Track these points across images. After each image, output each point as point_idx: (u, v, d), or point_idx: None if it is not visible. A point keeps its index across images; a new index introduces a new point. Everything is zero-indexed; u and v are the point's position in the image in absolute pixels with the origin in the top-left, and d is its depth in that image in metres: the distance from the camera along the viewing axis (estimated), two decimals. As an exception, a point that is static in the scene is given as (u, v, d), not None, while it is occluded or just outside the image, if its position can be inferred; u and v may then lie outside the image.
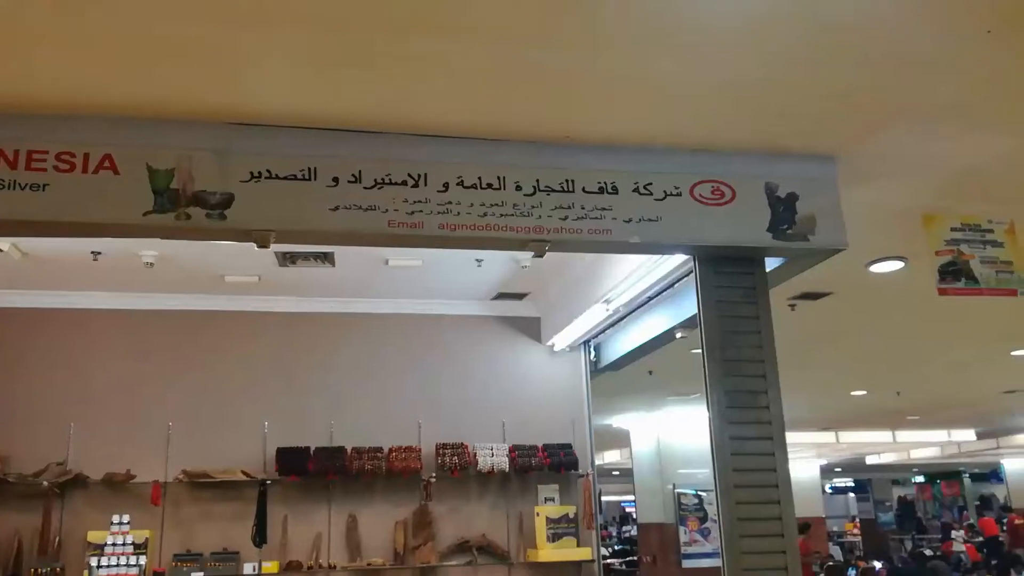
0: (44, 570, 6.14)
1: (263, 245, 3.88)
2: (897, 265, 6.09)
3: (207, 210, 3.71)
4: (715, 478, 4.16)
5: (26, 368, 6.65)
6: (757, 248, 4.24)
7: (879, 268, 6.14)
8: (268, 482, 6.55)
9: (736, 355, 4.26)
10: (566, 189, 4.03)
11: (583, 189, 4.05)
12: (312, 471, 6.62)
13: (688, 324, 5.46)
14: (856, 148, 4.20)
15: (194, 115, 3.72)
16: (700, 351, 4.33)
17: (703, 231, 4.12)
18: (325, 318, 7.21)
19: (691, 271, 4.50)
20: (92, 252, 5.58)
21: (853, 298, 7.12)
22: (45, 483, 6.26)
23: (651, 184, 4.10)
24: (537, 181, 4.01)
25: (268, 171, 3.80)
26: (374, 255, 5.98)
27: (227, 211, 3.73)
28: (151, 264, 5.79)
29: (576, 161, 4.07)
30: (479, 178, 3.97)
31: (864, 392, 12.70)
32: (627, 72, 3.45)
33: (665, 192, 4.11)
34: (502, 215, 3.96)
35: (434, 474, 6.84)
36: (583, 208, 4.02)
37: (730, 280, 4.31)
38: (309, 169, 3.84)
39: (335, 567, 6.60)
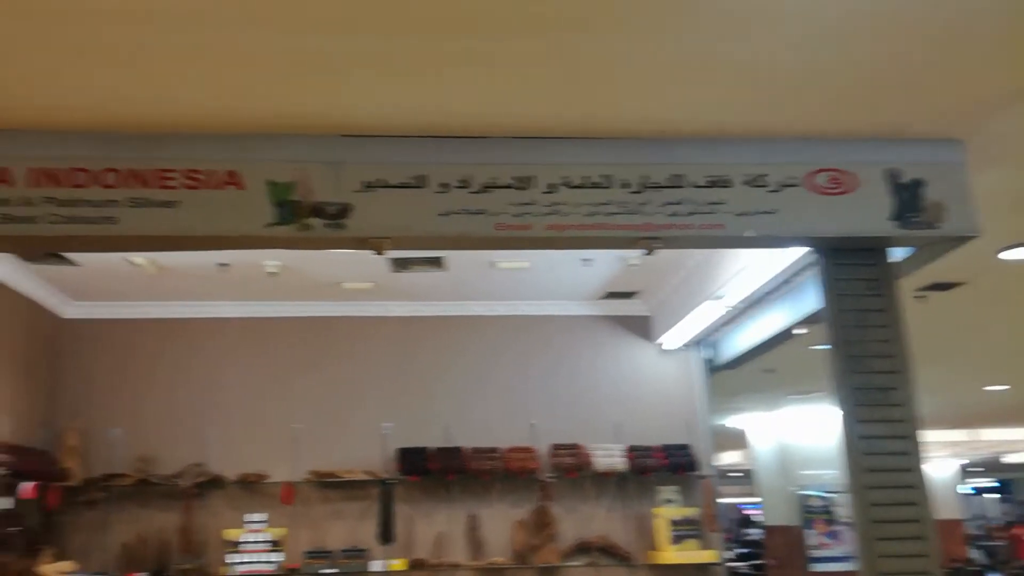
0: (188, 566, 6.51)
1: (379, 252, 3.98)
2: (1031, 251, 5.66)
3: (326, 220, 3.84)
4: (847, 479, 3.97)
5: (163, 375, 7.09)
6: (881, 238, 4.03)
7: (1011, 255, 5.72)
8: (391, 481, 6.73)
9: (864, 351, 4.05)
10: (675, 184, 3.95)
11: (693, 184, 3.96)
12: (432, 471, 6.76)
13: (809, 319, 5.25)
14: (984, 129, 3.92)
15: (310, 129, 3.86)
16: (822, 347, 4.15)
17: (823, 222, 3.94)
18: (438, 321, 7.35)
19: (810, 264, 4.32)
20: (219, 264, 5.89)
21: (986, 287, 6.66)
22: (185, 484, 6.64)
23: (765, 175, 3.96)
24: (644, 178, 3.95)
25: (381, 180, 3.89)
26: (482, 258, 6.05)
27: (344, 220, 3.85)
28: (274, 274, 6.06)
29: (684, 155, 3.99)
30: (586, 178, 3.95)
31: (1003, 387, 11.87)
32: (734, 59, 3.34)
33: (780, 183, 3.96)
34: (610, 214, 3.92)
35: (551, 475, 6.86)
36: (694, 203, 3.93)
37: (854, 272, 4.11)
38: (420, 176, 3.91)
39: (459, 565, 6.71)
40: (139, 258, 5.81)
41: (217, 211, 3.79)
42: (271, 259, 5.89)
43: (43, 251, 5.56)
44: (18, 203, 3.68)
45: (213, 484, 6.73)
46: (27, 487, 5.78)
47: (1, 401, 6.04)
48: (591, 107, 3.74)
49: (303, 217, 3.83)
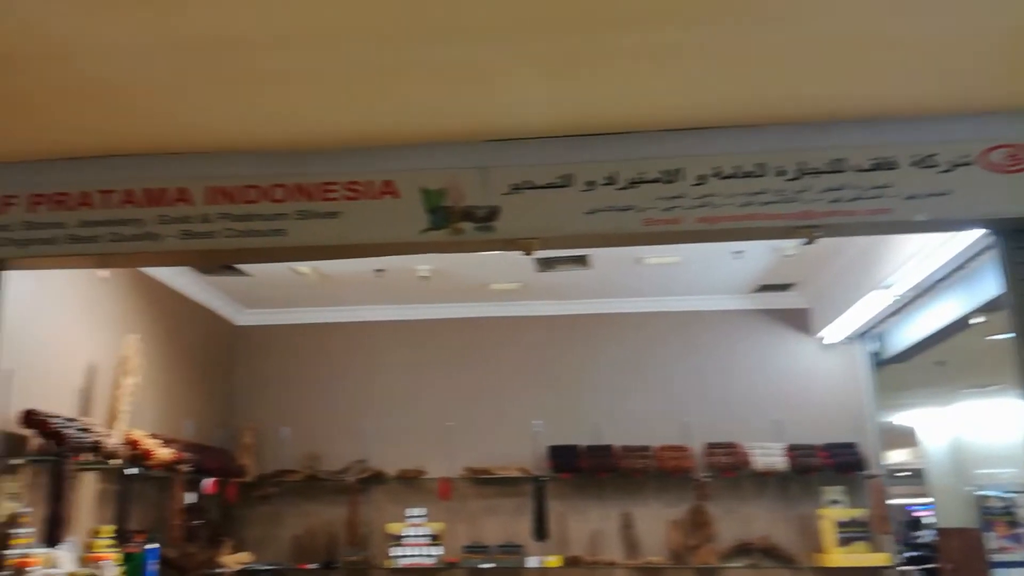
0: (354, 558, 6.83)
1: (528, 253, 4.02)
2: None
3: (476, 223, 3.91)
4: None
5: (325, 376, 7.49)
6: (1072, 216, 3.66)
7: None
8: (544, 479, 6.79)
9: (1053, 339, 3.69)
10: (836, 169, 3.75)
11: (855, 167, 3.73)
12: (584, 468, 6.76)
13: (987, 307, 4.85)
14: None
15: (459, 136, 3.94)
16: (1003, 337, 3.82)
17: (1001, 202, 3.62)
18: (585, 319, 7.35)
19: (988, 247, 3.99)
20: (375, 270, 6.15)
21: None
22: (350, 479, 6.97)
23: (935, 155, 3.68)
24: (802, 164, 3.77)
25: (528, 181, 3.93)
26: (629, 254, 5.99)
27: (494, 223, 3.91)
28: (426, 277, 6.26)
29: (844, 138, 3.77)
30: (738, 167, 3.82)
31: None
32: (897, 33, 3.13)
33: (952, 162, 3.67)
34: (765, 203, 3.77)
35: (706, 474, 6.70)
36: (857, 188, 3.71)
37: (1039, 255, 3.76)
38: (566, 176, 3.92)
39: (615, 564, 6.68)
40: (303, 267, 6.16)
41: (375, 220, 3.94)
42: (423, 264, 6.09)
43: (219, 264, 6.01)
44: (198, 220, 3.98)
45: (375, 479, 7.04)
46: (209, 483, 6.25)
47: (186, 404, 6.58)
48: (741, 94, 3.61)
49: (455, 222, 3.92)
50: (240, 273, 6.43)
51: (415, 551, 6.78)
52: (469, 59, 3.29)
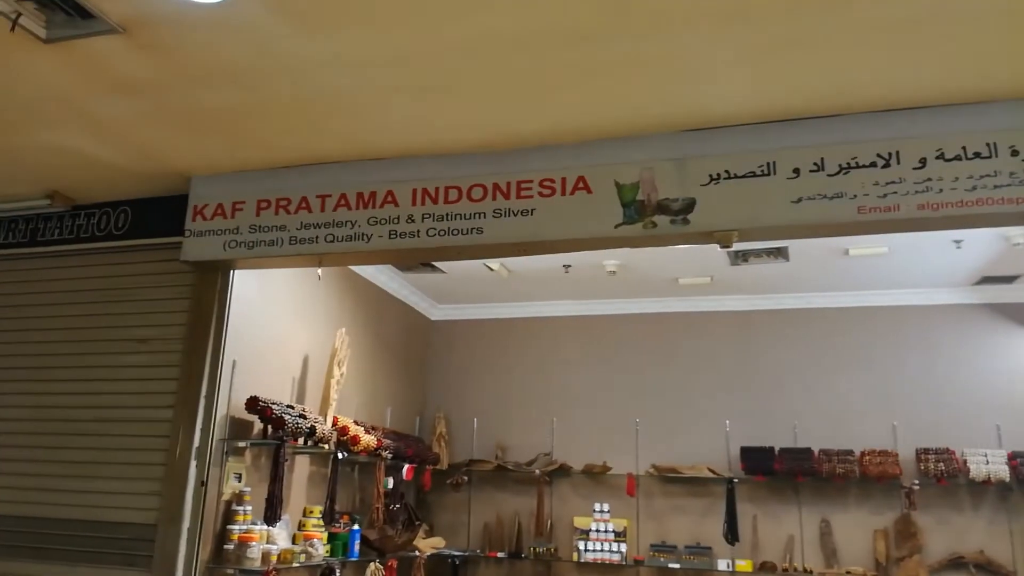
0: (541, 549, 6.92)
1: (726, 245, 3.90)
2: None
3: (671, 216, 3.85)
4: None
5: (513, 370, 7.64)
6: None
7: None
8: (735, 480, 6.58)
9: None
10: (1083, 146, 3.35)
11: (1108, 143, 3.32)
12: (779, 471, 6.47)
13: None
14: None
15: (654, 128, 3.89)
16: None
17: None
18: (779, 314, 7.04)
19: None
20: (564, 265, 6.20)
21: None
22: (537, 471, 7.08)
23: None
24: (1042, 142, 3.40)
25: (727, 171, 3.81)
26: (832, 245, 5.65)
27: (690, 215, 3.83)
28: (613, 272, 6.23)
29: (1093, 112, 3.36)
30: (964, 148, 3.51)
31: None
32: None
33: None
34: (996, 187, 3.44)
35: (916, 481, 6.21)
36: (1109, 167, 3.30)
37: None
38: (768, 164, 3.76)
39: (811, 572, 6.35)
40: (494, 264, 6.32)
41: (569, 216, 3.97)
42: (611, 259, 6.06)
43: (420, 261, 6.29)
44: (403, 220, 4.19)
45: (561, 472, 7.09)
46: (406, 469, 6.55)
47: (384, 393, 6.94)
48: (967, 67, 3.30)
49: (648, 215, 3.87)
50: (436, 270, 6.70)
51: (601, 546, 6.77)
52: (669, 51, 3.23)
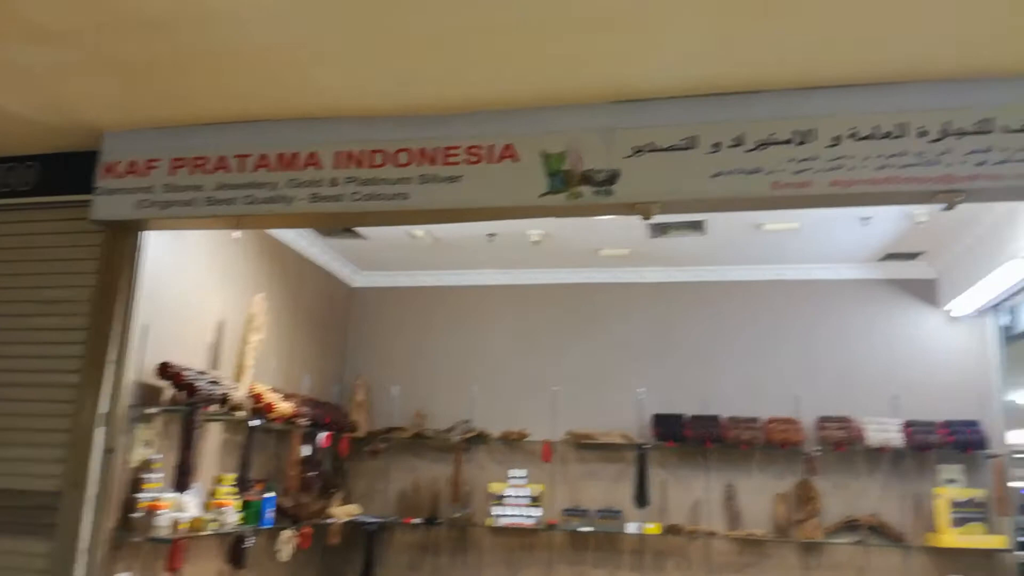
0: (457, 515, 7.00)
1: (646, 217, 3.96)
2: None
3: (595, 187, 3.88)
4: None
5: (435, 338, 7.64)
6: None
7: None
8: (647, 446, 6.77)
9: None
10: (983, 130, 3.53)
11: (1005, 128, 3.51)
12: (689, 438, 6.70)
13: None
14: None
15: (582, 99, 3.90)
16: None
17: None
18: (695, 286, 7.23)
19: None
20: (488, 234, 6.20)
21: None
22: (455, 438, 7.12)
23: (1099, 113, 3.43)
24: (947, 124, 3.57)
25: (651, 144, 3.86)
26: (747, 220, 5.83)
27: (613, 186, 3.86)
28: (537, 242, 6.27)
29: (994, 96, 3.54)
30: (876, 127, 3.64)
31: None
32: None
33: (1123, 123, 3.41)
34: (904, 166, 3.59)
35: (818, 448, 6.53)
36: (1005, 150, 3.49)
37: None
38: (690, 138, 3.83)
39: (715, 534, 6.63)
40: (418, 230, 6.27)
41: (496, 184, 3.96)
42: (535, 228, 6.10)
43: (342, 226, 6.18)
44: (326, 184, 4.10)
45: (479, 440, 7.16)
46: (323, 437, 6.50)
47: (303, 360, 6.84)
48: (881, 48, 3.43)
49: (574, 185, 3.90)
50: (358, 236, 6.60)
51: (515, 511, 6.89)
52: (601, 20, 3.23)
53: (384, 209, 4.05)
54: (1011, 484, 6.37)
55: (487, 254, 6.89)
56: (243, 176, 4.17)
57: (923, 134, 3.59)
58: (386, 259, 7.35)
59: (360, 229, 6.38)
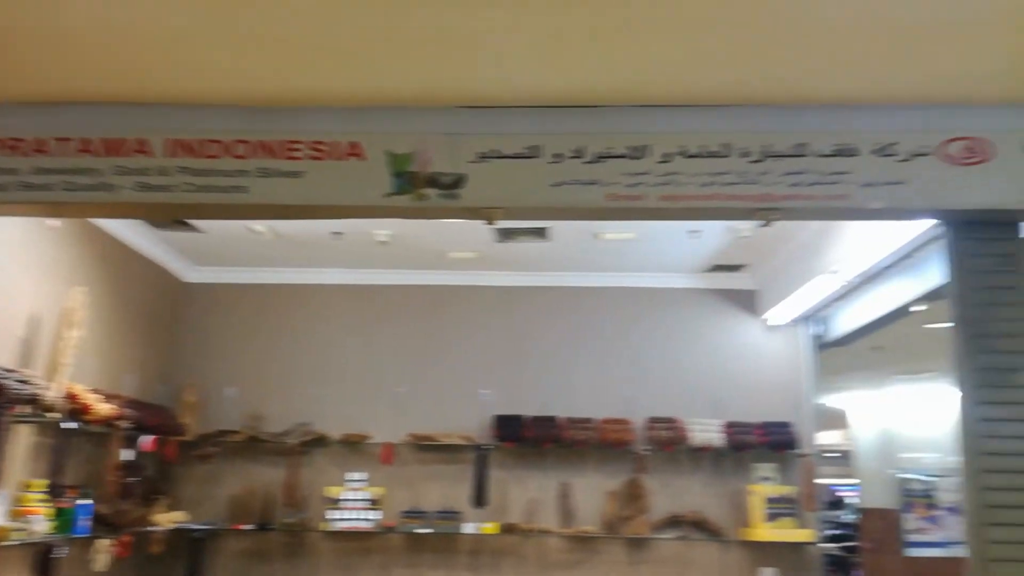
0: (291, 520, 6.80)
1: (490, 222, 4.03)
2: None
3: (441, 190, 3.90)
4: (961, 462, 3.83)
5: (275, 338, 7.39)
6: (1017, 212, 3.83)
7: None
8: (487, 447, 6.86)
9: (990, 330, 3.87)
10: (797, 154, 3.85)
11: (817, 152, 3.84)
12: (528, 438, 6.85)
13: (929, 296, 5.04)
14: None
15: (429, 101, 3.91)
16: (936, 325, 4.00)
17: (955, 194, 3.77)
18: (540, 291, 7.40)
19: (934, 238, 4.15)
20: (333, 232, 6.07)
21: None
22: (291, 442, 6.92)
23: (895, 144, 3.81)
24: (766, 146, 3.86)
25: (496, 151, 3.92)
26: (588, 229, 6.03)
27: (459, 191, 3.90)
28: (384, 243, 6.21)
29: (808, 123, 3.87)
30: (703, 146, 3.89)
31: None
32: (862, 20, 3.21)
33: (911, 152, 3.81)
34: (728, 184, 3.85)
35: (646, 447, 6.85)
36: (817, 173, 3.82)
37: (986, 247, 3.92)
38: (534, 147, 3.93)
39: (549, 532, 6.81)
40: (259, 226, 6.04)
41: (339, 181, 3.90)
42: (382, 228, 6.03)
43: (173, 218, 5.85)
44: (155, 172, 3.88)
45: (318, 443, 6.99)
46: (148, 440, 6.13)
47: (128, 359, 6.42)
48: (709, 73, 3.67)
49: (419, 187, 3.90)
50: (193, 229, 6.27)
51: (353, 515, 6.80)
52: (448, 25, 3.26)
53: (219, 202, 3.89)
54: (818, 481, 6.95)
55: (332, 252, 6.75)
56: (63, 161, 3.87)
57: (745, 155, 3.86)
58: (224, 254, 7.03)
59: (195, 222, 6.08)
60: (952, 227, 3.97)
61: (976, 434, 3.82)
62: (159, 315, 7.05)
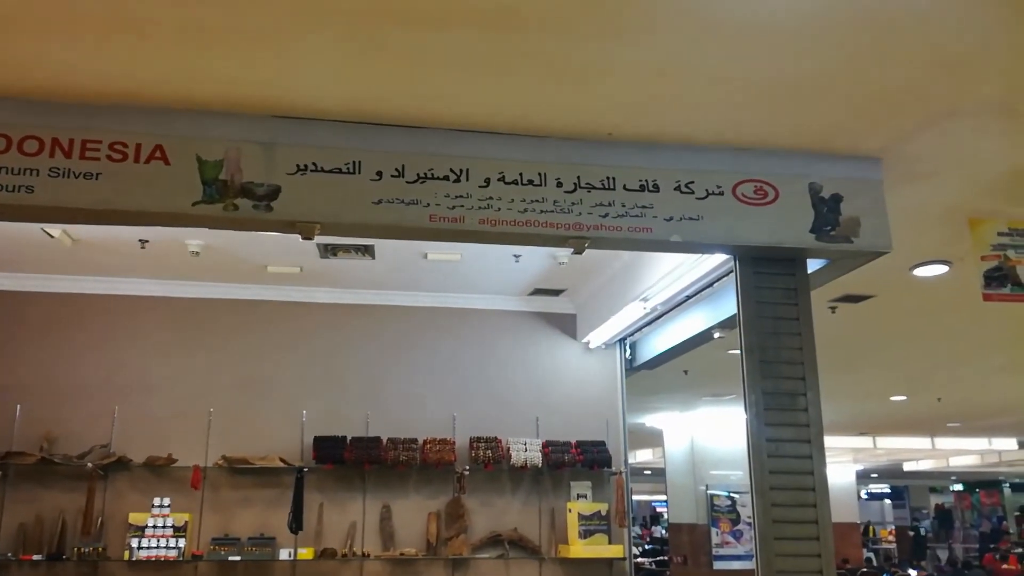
0: (86, 549, 6.30)
1: (308, 237, 3.94)
2: (941, 269, 5.99)
3: (254, 201, 3.78)
4: (751, 479, 4.14)
5: (74, 352, 6.83)
6: (799, 249, 4.20)
7: (923, 272, 6.04)
8: (305, 470, 6.66)
9: (775, 356, 4.23)
10: (607, 187, 4.04)
11: (624, 187, 4.05)
12: (348, 460, 6.70)
13: (727, 324, 5.44)
14: (902, 148, 4.15)
15: (242, 107, 3.79)
16: (738, 352, 4.31)
17: (744, 231, 4.10)
18: (364, 310, 7.30)
19: (731, 271, 4.48)
20: (140, 240, 5.71)
21: (896, 301, 7.02)
22: (89, 465, 6.41)
23: (693, 183, 4.09)
24: (578, 178, 4.03)
25: (314, 164, 3.86)
26: (414, 249, 6.03)
27: (274, 203, 3.80)
28: (197, 253, 5.91)
29: (618, 158, 4.08)
30: (520, 174, 4.00)
31: (904, 397, 12.52)
32: (671, 68, 3.44)
33: (707, 191, 4.10)
34: (542, 211, 3.98)
35: (468, 467, 6.90)
36: (624, 206, 4.03)
37: (771, 281, 4.29)
38: (354, 163, 3.89)
39: (368, 555, 6.69)
40: (55, 230, 5.58)
41: (141, 186, 3.69)
42: (194, 238, 5.74)
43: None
44: (-73, 165, 3.50)
45: (119, 466, 6.52)
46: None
47: None
48: (528, 104, 3.79)
49: (231, 197, 3.76)
50: (-25, 229, 5.70)
51: (157, 543, 6.38)
52: (265, 26, 3.16)
53: (3, 202, 3.57)
54: (636, 498, 7.25)
55: (140, 262, 6.33)
56: None
57: (559, 184, 4.01)
58: (12, 260, 6.41)
59: (-20, 223, 5.52)
60: (742, 261, 4.31)
61: (763, 453, 4.14)
62: (-66, 324, 6.34)
